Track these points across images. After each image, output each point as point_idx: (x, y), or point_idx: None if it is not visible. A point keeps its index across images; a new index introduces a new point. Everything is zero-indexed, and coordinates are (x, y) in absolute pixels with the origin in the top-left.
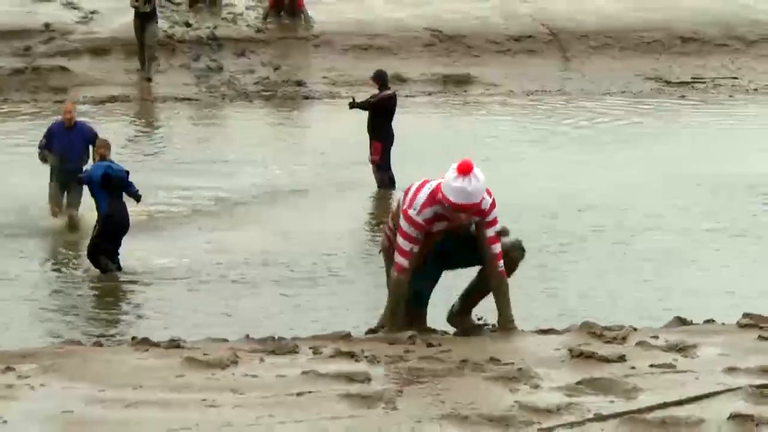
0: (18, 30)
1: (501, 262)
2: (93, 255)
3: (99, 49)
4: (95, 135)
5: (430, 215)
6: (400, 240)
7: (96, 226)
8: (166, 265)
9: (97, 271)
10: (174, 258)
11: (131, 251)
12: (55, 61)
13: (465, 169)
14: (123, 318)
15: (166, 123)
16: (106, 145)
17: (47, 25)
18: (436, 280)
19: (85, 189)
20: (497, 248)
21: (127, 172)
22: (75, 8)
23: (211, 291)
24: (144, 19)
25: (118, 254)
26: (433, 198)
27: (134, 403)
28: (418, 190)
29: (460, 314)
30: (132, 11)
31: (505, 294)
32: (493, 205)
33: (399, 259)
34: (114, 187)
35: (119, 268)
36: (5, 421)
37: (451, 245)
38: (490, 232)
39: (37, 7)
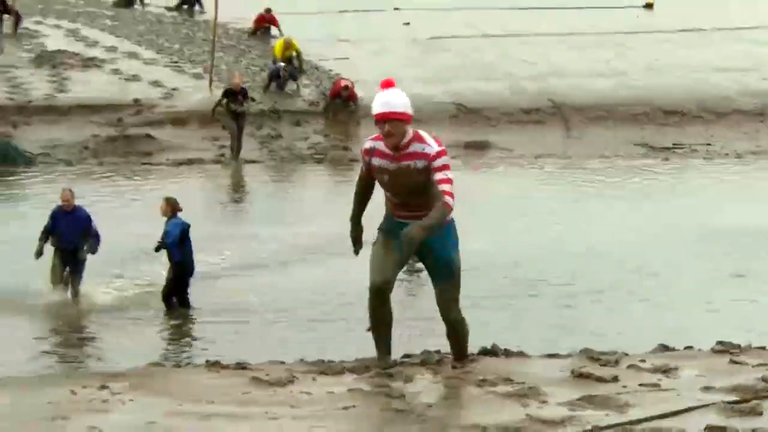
0: (112, 104)
1: (447, 197)
2: (166, 298)
3: (178, 120)
4: (88, 217)
5: (369, 146)
6: None
7: (169, 273)
8: (241, 302)
9: (180, 307)
10: (249, 296)
11: (211, 291)
12: (143, 130)
13: (386, 84)
14: (198, 345)
15: (237, 181)
16: (176, 202)
17: (136, 100)
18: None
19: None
20: (446, 187)
21: (189, 226)
22: (159, 86)
23: (279, 323)
24: (239, 116)
25: (188, 294)
26: (375, 136)
27: (208, 415)
28: None
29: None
30: (202, 90)
31: (438, 213)
32: (440, 153)
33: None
34: (184, 240)
35: (189, 306)
36: (100, 431)
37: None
38: (440, 175)
39: (128, 86)
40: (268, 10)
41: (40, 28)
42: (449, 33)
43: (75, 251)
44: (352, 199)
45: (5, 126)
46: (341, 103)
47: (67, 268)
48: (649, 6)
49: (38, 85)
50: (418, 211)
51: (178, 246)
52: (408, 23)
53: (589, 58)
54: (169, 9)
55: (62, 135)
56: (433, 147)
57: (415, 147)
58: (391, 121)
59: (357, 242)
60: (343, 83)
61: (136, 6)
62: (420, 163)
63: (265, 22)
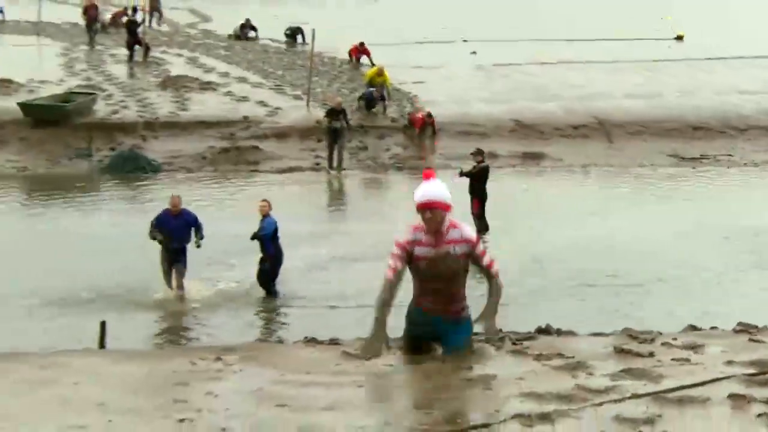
0: (225, 121)
1: (494, 269)
2: (265, 286)
3: (281, 134)
4: (196, 218)
5: (411, 238)
6: (389, 260)
7: (263, 263)
8: (332, 290)
9: (275, 293)
10: (339, 285)
11: (309, 280)
12: (251, 143)
13: (428, 176)
14: (295, 325)
15: (330, 185)
16: (269, 205)
17: (245, 118)
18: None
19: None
20: (496, 268)
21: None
22: (265, 106)
23: (367, 308)
24: (336, 133)
25: (276, 283)
26: (414, 227)
27: (306, 383)
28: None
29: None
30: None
31: (499, 293)
32: (478, 239)
33: (386, 272)
34: (276, 235)
35: (279, 293)
36: (216, 395)
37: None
38: (487, 259)
39: (239, 105)
40: (362, 44)
41: (166, 57)
42: (510, 61)
43: (180, 249)
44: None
45: (136, 139)
46: (429, 127)
47: (174, 270)
48: (679, 38)
49: (163, 105)
50: (447, 303)
51: (271, 240)
52: (474, 52)
53: (628, 82)
54: (279, 41)
55: (183, 146)
56: (471, 233)
57: (453, 233)
58: (433, 210)
59: (381, 340)
60: (421, 115)
61: (250, 36)
62: (460, 248)
63: (359, 53)
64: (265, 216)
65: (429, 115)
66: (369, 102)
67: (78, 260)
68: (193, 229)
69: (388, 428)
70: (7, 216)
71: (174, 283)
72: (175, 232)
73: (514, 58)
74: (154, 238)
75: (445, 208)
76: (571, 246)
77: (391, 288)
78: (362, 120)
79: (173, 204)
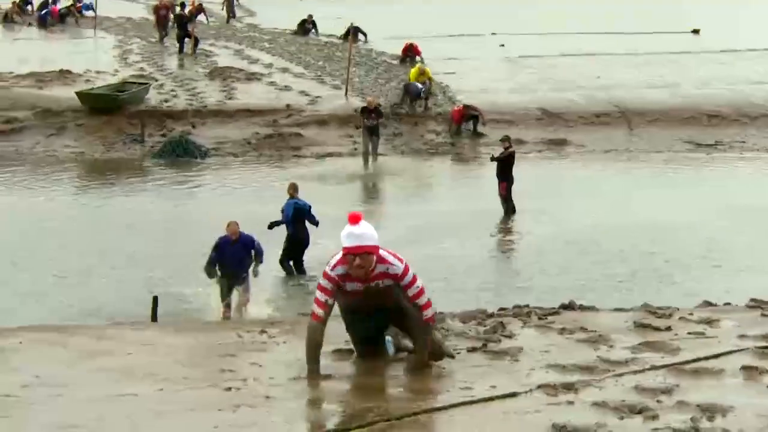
0: (269, 109)
1: (427, 311)
2: (283, 263)
3: (321, 121)
4: (253, 240)
5: (342, 272)
6: (318, 293)
7: (285, 244)
8: None
9: (297, 273)
10: None
11: None
12: (293, 130)
13: (353, 219)
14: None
15: (367, 169)
16: (295, 187)
17: (288, 106)
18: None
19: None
20: (422, 301)
21: (310, 207)
22: (306, 95)
23: None
24: (371, 130)
25: (302, 262)
26: (344, 258)
27: (343, 351)
28: (338, 254)
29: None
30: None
31: (425, 339)
32: (405, 271)
33: (315, 308)
34: (298, 217)
35: (304, 273)
36: (260, 366)
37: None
38: (413, 290)
39: (281, 95)
40: (411, 44)
41: (213, 49)
42: (536, 53)
43: (239, 275)
44: (316, 335)
45: (186, 126)
46: (472, 123)
47: (235, 291)
48: (696, 32)
49: (211, 94)
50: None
51: (291, 224)
52: (503, 45)
53: (647, 73)
54: (338, 38)
55: (230, 133)
56: (397, 266)
57: (379, 268)
58: (361, 255)
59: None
60: (464, 109)
61: (311, 35)
62: (386, 282)
63: (410, 52)
64: (290, 198)
65: (466, 107)
66: (417, 97)
67: (130, 239)
68: (253, 252)
69: (419, 395)
70: (65, 197)
71: (238, 303)
72: (234, 259)
73: (541, 50)
74: (210, 276)
75: (375, 251)
76: (602, 227)
77: (314, 348)
78: (397, 108)
79: (232, 231)
